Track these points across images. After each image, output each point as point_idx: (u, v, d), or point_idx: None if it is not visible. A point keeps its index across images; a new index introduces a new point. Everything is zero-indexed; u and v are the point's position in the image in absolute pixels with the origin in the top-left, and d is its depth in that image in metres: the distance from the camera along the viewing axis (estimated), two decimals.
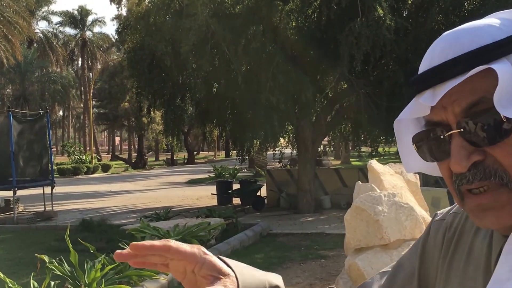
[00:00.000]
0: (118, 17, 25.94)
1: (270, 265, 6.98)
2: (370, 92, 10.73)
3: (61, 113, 59.51)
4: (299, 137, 11.89)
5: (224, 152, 45.78)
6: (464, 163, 0.59)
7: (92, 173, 31.01)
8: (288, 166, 19.50)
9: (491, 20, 0.63)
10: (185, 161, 39.27)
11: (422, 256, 0.77)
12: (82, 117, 49.48)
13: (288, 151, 15.26)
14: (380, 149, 13.40)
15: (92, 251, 5.76)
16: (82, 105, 46.24)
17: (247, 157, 15.28)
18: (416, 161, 0.69)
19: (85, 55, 44.49)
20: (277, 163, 22.72)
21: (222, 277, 0.66)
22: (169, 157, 40.91)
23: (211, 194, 14.28)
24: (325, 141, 16.72)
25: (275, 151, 14.34)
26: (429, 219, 3.46)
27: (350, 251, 3.72)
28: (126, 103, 36.49)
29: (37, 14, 41.54)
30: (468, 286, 0.68)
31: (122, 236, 7.38)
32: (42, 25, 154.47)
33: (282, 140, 14.19)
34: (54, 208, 12.60)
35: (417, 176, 4.26)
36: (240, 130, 12.81)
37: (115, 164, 37.29)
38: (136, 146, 44.65)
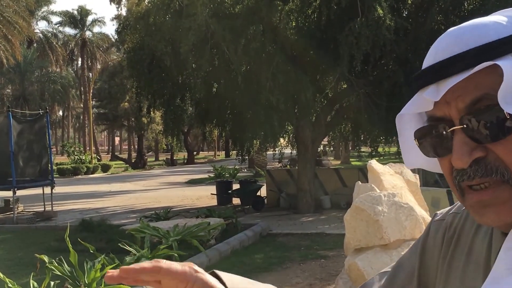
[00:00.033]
0: (117, 17, 25.93)
1: (269, 265, 6.98)
2: (370, 92, 10.73)
3: (60, 113, 59.51)
4: (299, 137, 11.89)
5: (224, 152, 45.78)
6: (466, 159, 0.59)
7: (92, 173, 31.00)
8: (288, 166, 19.50)
9: (497, 17, 0.62)
10: (185, 161, 39.27)
11: (422, 256, 0.77)
12: (81, 117, 49.48)
13: (288, 151, 15.26)
14: (380, 149, 13.41)
15: (92, 251, 5.75)
16: (82, 105, 46.24)
17: (247, 157, 15.30)
18: (417, 156, 0.69)
19: (85, 55, 44.48)
20: (277, 163, 22.74)
21: None
22: (169, 157, 40.91)
23: (211, 194, 14.28)
24: (325, 141, 16.71)
25: (275, 151, 14.35)
26: (429, 219, 3.45)
27: (350, 251, 3.72)
28: (126, 103, 36.48)
29: (36, 14, 41.53)
30: (468, 286, 0.68)
31: (122, 236, 7.37)
32: (41, 25, 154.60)
33: (282, 140, 14.20)
34: (53, 208, 12.60)
35: (417, 176, 4.26)
36: (240, 130, 12.81)
37: (115, 164, 37.28)
38: (136, 146, 44.65)
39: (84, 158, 32.33)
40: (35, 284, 4.88)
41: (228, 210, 11.01)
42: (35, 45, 41.47)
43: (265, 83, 10.13)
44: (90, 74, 43.67)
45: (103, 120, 43.12)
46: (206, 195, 15.34)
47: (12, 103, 36.01)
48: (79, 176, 29.42)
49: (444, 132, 0.62)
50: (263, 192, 13.21)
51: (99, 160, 39.38)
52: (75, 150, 33.33)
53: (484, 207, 0.61)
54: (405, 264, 0.80)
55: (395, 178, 3.97)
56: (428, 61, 0.63)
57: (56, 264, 5.21)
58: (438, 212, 0.80)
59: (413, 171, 4.47)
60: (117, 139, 69.05)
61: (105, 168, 33.27)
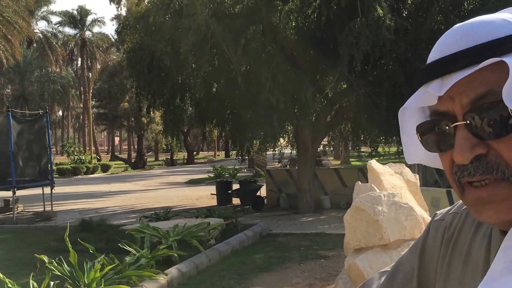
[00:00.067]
0: (117, 17, 25.91)
1: (269, 265, 6.98)
2: (370, 92, 10.73)
3: (60, 113, 59.49)
4: (299, 137, 11.89)
5: (223, 152, 45.78)
6: (468, 154, 0.59)
7: (92, 173, 30.99)
8: (287, 166, 19.50)
9: (505, 14, 0.63)
10: (185, 161, 39.26)
11: (421, 256, 0.78)
12: (81, 117, 49.45)
13: (287, 151, 15.26)
14: (379, 149, 13.41)
15: (91, 251, 5.76)
16: (82, 105, 46.22)
17: (246, 157, 15.30)
18: (418, 151, 0.69)
19: (85, 55, 44.45)
20: (277, 163, 22.73)
21: None
22: (169, 157, 40.90)
23: (211, 194, 14.27)
24: (324, 141, 16.71)
25: (275, 151, 14.35)
26: (428, 219, 3.45)
27: (350, 251, 3.71)
28: (126, 103, 36.47)
29: (36, 14, 41.49)
30: (467, 286, 0.68)
31: (122, 236, 7.37)
32: (41, 25, 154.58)
33: (281, 140, 14.19)
34: (53, 208, 12.60)
35: (417, 176, 4.26)
36: (240, 130, 12.81)
37: (115, 164, 37.27)
38: (136, 146, 44.64)
39: (83, 158, 32.33)
40: (35, 284, 4.88)
41: (228, 210, 11.00)
42: (34, 45, 41.45)
43: (265, 83, 10.13)
44: (90, 74, 43.65)
45: (103, 120, 43.13)
46: (206, 195, 15.33)
47: (11, 103, 36.00)
48: (79, 176, 29.41)
49: (447, 128, 0.62)
50: (263, 192, 13.20)
51: (98, 160, 39.37)
52: (74, 150, 33.32)
53: (483, 204, 0.61)
54: (404, 264, 0.80)
55: (395, 178, 3.97)
56: (434, 55, 0.64)
57: (56, 264, 5.22)
58: (438, 212, 0.81)
59: (413, 171, 4.47)
60: (116, 139, 69.03)
61: (105, 168, 33.27)
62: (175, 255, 6.61)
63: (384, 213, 3.49)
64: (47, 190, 12.45)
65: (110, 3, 16.36)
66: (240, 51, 10.03)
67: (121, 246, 6.53)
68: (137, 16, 12.12)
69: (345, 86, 11.85)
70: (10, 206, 12.21)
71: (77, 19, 44.95)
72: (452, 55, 0.60)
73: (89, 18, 46.09)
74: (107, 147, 71.42)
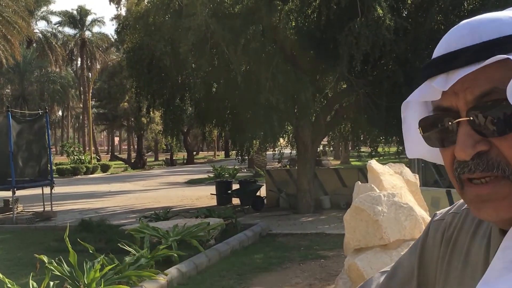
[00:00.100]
0: (117, 17, 25.91)
1: (269, 265, 6.98)
2: (370, 92, 10.73)
3: (60, 113, 59.48)
4: (299, 137, 11.89)
5: (223, 152, 45.78)
6: (469, 150, 0.59)
7: (91, 173, 30.99)
8: (287, 166, 19.50)
9: None
10: (185, 161, 39.25)
11: (421, 255, 0.78)
12: (81, 117, 49.43)
13: (287, 151, 15.26)
14: (379, 149, 13.41)
15: (91, 251, 5.75)
16: (81, 105, 46.20)
17: (246, 157, 15.29)
18: (419, 145, 0.70)
19: (84, 55, 44.43)
20: (277, 163, 22.72)
21: None
22: (169, 157, 40.89)
23: (211, 194, 14.27)
24: (324, 141, 16.71)
25: (275, 151, 14.34)
26: (428, 219, 3.45)
27: (350, 251, 3.71)
28: (125, 103, 36.46)
29: (36, 14, 41.48)
30: (467, 285, 0.68)
31: (122, 236, 7.37)
32: (41, 25, 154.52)
33: (281, 140, 14.19)
34: (53, 208, 12.59)
35: (417, 176, 4.26)
36: (240, 130, 12.80)
37: (115, 164, 37.27)
38: (136, 146, 44.63)
39: (83, 158, 32.32)
40: (35, 284, 4.88)
41: (228, 210, 10.99)
42: (34, 45, 41.42)
43: (264, 83, 10.13)
44: (90, 74, 43.63)
45: (103, 120, 43.12)
46: (205, 195, 15.33)
47: (11, 103, 36.00)
48: (79, 176, 29.41)
49: (450, 123, 0.62)
50: (262, 192, 13.20)
51: (98, 160, 39.36)
52: (74, 150, 33.31)
53: (482, 202, 0.61)
54: (404, 264, 0.80)
55: (395, 178, 3.97)
56: (440, 50, 0.64)
57: (56, 264, 5.21)
58: (437, 212, 0.81)
59: (413, 171, 4.47)
60: (116, 139, 69.02)
61: (105, 168, 33.26)
62: (175, 255, 6.60)
63: (384, 213, 3.49)
64: (46, 190, 12.44)
65: (110, 3, 16.34)
66: (240, 51, 10.02)
67: (120, 246, 6.52)
68: (137, 16, 12.12)
69: (345, 86, 11.85)
70: (10, 206, 12.20)
71: (76, 19, 44.93)
72: (458, 50, 0.60)
73: (89, 18, 46.09)
74: (106, 147, 71.41)
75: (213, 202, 13.88)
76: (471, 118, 0.60)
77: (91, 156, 33.88)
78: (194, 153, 43.81)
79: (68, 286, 5.13)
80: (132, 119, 37.42)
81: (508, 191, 0.59)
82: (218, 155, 46.64)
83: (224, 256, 7.46)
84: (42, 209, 12.60)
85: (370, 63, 9.97)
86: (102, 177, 28.79)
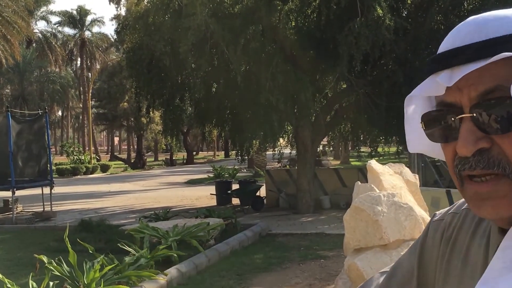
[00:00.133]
0: (117, 17, 25.91)
1: (269, 265, 6.98)
2: (370, 92, 10.74)
3: (60, 113, 59.47)
4: (298, 137, 11.89)
5: (223, 152, 45.76)
6: (471, 147, 0.59)
7: (91, 173, 30.98)
8: (287, 166, 19.50)
9: None
10: (184, 161, 39.24)
11: (420, 255, 0.78)
12: (81, 117, 49.41)
13: (287, 151, 15.26)
14: (379, 149, 13.41)
15: (91, 252, 5.75)
16: (81, 105, 46.18)
17: (246, 157, 15.28)
18: (421, 140, 0.70)
19: (84, 55, 44.40)
20: (276, 163, 22.74)
21: None
22: (168, 157, 40.89)
23: (210, 194, 14.27)
24: (324, 141, 16.71)
25: (275, 151, 14.35)
26: (428, 219, 3.45)
27: (350, 251, 3.71)
28: (125, 103, 36.45)
29: (36, 14, 41.46)
30: (466, 284, 0.68)
31: (121, 236, 7.36)
32: (41, 25, 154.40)
33: (281, 140, 14.19)
34: (53, 208, 12.59)
35: (417, 176, 4.25)
36: (239, 130, 12.80)
37: (114, 164, 37.27)
38: (135, 146, 44.62)
39: (83, 158, 32.31)
40: (34, 284, 4.88)
41: (228, 210, 10.99)
42: (34, 45, 41.40)
43: (264, 83, 10.13)
44: (89, 74, 43.61)
45: (102, 120, 43.09)
46: (205, 195, 15.33)
47: (11, 103, 35.98)
48: (78, 176, 29.40)
49: (453, 119, 0.62)
50: (262, 192, 13.20)
51: (98, 160, 39.34)
52: (74, 150, 33.30)
53: (482, 200, 0.61)
54: (404, 264, 0.80)
55: (395, 178, 3.97)
56: (445, 45, 0.63)
57: (55, 265, 5.21)
58: (437, 212, 0.81)
59: (413, 171, 4.47)
60: (116, 139, 69.01)
61: (104, 168, 33.26)
62: (175, 255, 6.60)
63: (383, 213, 3.49)
64: (46, 190, 12.44)
65: (110, 3, 16.35)
66: (240, 51, 10.02)
67: (120, 246, 6.52)
68: (137, 16, 12.12)
69: (344, 86, 11.85)
70: (10, 206, 12.20)
71: (76, 19, 44.91)
72: (464, 47, 0.60)
73: (89, 18, 46.07)
74: (106, 147, 71.39)
75: (213, 202, 13.88)
76: (474, 114, 0.60)
77: (90, 156, 33.87)
78: (194, 153, 43.81)
79: (68, 286, 5.13)
80: (132, 119, 37.41)
81: (508, 189, 0.59)
82: (218, 155, 46.63)
83: (223, 256, 7.46)
84: (42, 209, 12.59)
85: (370, 63, 9.97)
86: (101, 177, 28.79)
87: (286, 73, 10.41)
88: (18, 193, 12.20)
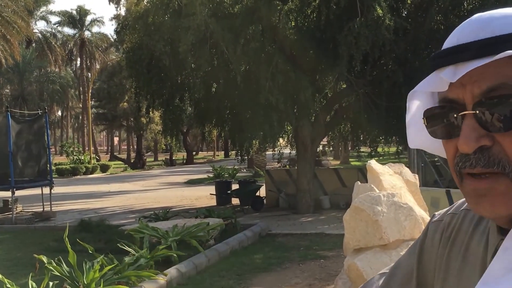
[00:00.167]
0: (116, 17, 25.92)
1: (269, 265, 6.98)
2: (369, 92, 10.74)
3: (59, 113, 59.46)
4: (298, 137, 11.88)
5: (223, 152, 45.76)
6: (472, 143, 0.59)
7: (91, 173, 30.97)
8: (287, 166, 19.50)
9: None
10: (184, 161, 39.24)
11: (420, 256, 0.78)
12: (80, 117, 49.40)
13: (287, 151, 15.26)
14: (379, 149, 13.41)
15: (90, 252, 5.75)
16: (81, 105, 46.18)
17: (246, 157, 15.29)
18: (422, 136, 0.69)
19: (84, 55, 44.39)
20: (276, 163, 22.74)
21: None
22: (168, 157, 40.88)
23: (210, 194, 14.27)
24: (324, 141, 16.71)
25: (274, 151, 14.35)
26: (428, 219, 3.45)
27: (349, 251, 3.71)
28: (125, 103, 36.45)
29: (35, 14, 41.45)
30: (465, 285, 0.68)
31: (121, 236, 7.36)
32: (40, 25, 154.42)
33: (281, 140, 14.19)
34: (52, 208, 12.59)
35: (417, 176, 4.25)
36: (239, 130, 12.80)
37: (114, 164, 37.26)
38: (135, 146, 44.62)
39: (83, 158, 32.31)
40: (34, 284, 4.87)
41: (227, 210, 10.99)
42: (34, 45, 41.40)
43: (264, 83, 10.12)
44: (89, 74, 43.60)
45: (102, 120, 43.08)
46: (205, 195, 15.33)
47: (10, 103, 35.97)
48: (78, 176, 29.39)
49: (455, 115, 0.62)
50: (262, 192, 13.20)
51: (98, 160, 39.32)
52: (74, 150, 33.30)
53: (480, 196, 0.61)
54: (403, 265, 0.80)
55: (395, 178, 3.97)
56: (450, 42, 0.63)
57: (55, 265, 5.21)
58: (436, 213, 0.81)
59: (413, 171, 4.46)
60: (116, 139, 69.00)
61: (104, 168, 33.25)
62: (174, 255, 6.60)
63: (383, 213, 3.49)
64: (46, 190, 12.43)
65: (109, 3, 16.37)
66: (240, 51, 10.02)
67: (120, 246, 6.52)
68: (136, 16, 12.11)
69: (344, 86, 11.85)
70: (9, 206, 12.19)
71: (76, 19, 44.91)
72: (469, 43, 0.60)
73: (88, 18, 46.07)
74: (106, 147, 71.38)
75: (213, 202, 13.88)
76: (477, 112, 0.59)
77: (90, 156, 33.87)
78: (194, 153, 43.80)
79: (68, 286, 5.13)
80: (132, 119, 37.40)
81: (506, 188, 0.59)
82: (218, 155, 46.63)
83: (223, 256, 7.45)
84: (42, 209, 12.59)
85: (369, 63, 9.97)
86: (101, 177, 28.78)
87: (286, 73, 10.41)
88: (18, 193, 12.20)
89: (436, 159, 11.36)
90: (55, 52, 41.09)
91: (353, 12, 9.42)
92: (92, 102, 40.61)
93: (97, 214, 12.58)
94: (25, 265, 6.86)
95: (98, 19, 61.20)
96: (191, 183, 21.62)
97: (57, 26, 45.33)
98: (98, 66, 42.50)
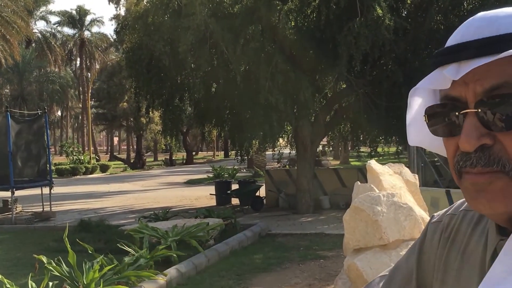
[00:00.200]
0: (116, 17, 25.91)
1: (269, 265, 6.98)
2: (369, 92, 10.74)
3: (59, 113, 59.46)
4: (298, 137, 11.88)
5: (223, 152, 45.77)
6: (474, 142, 0.59)
7: (91, 174, 30.97)
8: (287, 166, 19.50)
9: None
10: (184, 161, 39.24)
11: (419, 257, 0.78)
12: (80, 117, 49.42)
13: (287, 151, 15.25)
14: (379, 149, 13.41)
15: (90, 252, 5.75)
16: (81, 105, 46.20)
17: (246, 157, 15.29)
18: (422, 133, 0.69)
19: (84, 55, 44.40)
20: (276, 163, 22.74)
21: None
22: (168, 157, 40.88)
23: (210, 194, 14.27)
24: (324, 141, 16.71)
25: (274, 151, 14.35)
26: (428, 219, 3.44)
27: (349, 251, 3.71)
28: (125, 103, 36.45)
29: (35, 14, 41.45)
30: (464, 286, 0.68)
31: (121, 236, 7.36)
32: (40, 25, 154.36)
33: (281, 140, 14.18)
34: (52, 208, 12.58)
35: (416, 176, 4.25)
36: (239, 130, 12.80)
37: (114, 164, 37.25)
38: (135, 146, 44.61)
39: (82, 158, 32.30)
40: (34, 284, 4.87)
41: (227, 210, 10.99)
42: (33, 45, 41.41)
43: (264, 83, 10.12)
44: (89, 74, 43.61)
45: (102, 120, 43.08)
46: (205, 195, 15.33)
47: (10, 103, 35.97)
48: (78, 176, 29.39)
49: (457, 114, 0.61)
50: (262, 192, 13.20)
51: (97, 160, 39.32)
52: (73, 150, 33.29)
53: (478, 191, 0.61)
54: (402, 266, 0.80)
55: (394, 178, 3.96)
56: (454, 39, 0.63)
57: (55, 265, 5.21)
58: (435, 214, 0.81)
59: (413, 171, 4.46)
60: (115, 139, 68.98)
61: (104, 168, 33.25)
62: (174, 255, 6.60)
63: (383, 213, 3.49)
64: (46, 190, 12.43)
65: (109, 3, 16.37)
66: (239, 51, 10.02)
67: (120, 246, 6.52)
68: (136, 16, 12.11)
69: (344, 86, 11.85)
70: (9, 206, 12.19)
71: (76, 19, 44.92)
72: (473, 41, 0.60)
73: (88, 18, 46.10)
74: (106, 147, 71.38)
75: (213, 202, 13.88)
76: (479, 110, 0.59)
77: (90, 156, 33.87)
78: (194, 153, 43.81)
79: (67, 287, 5.12)
80: (131, 119, 37.40)
81: (504, 185, 0.59)
82: (218, 155, 46.63)
83: (223, 256, 7.45)
84: (41, 209, 12.58)
85: (369, 63, 9.97)
86: (101, 177, 28.78)
87: (286, 73, 10.41)
88: (18, 193, 12.19)
89: (436, 159, 11.36)
90: (54, 52, 41.09)
91: (353, 12, 9.42)
92: (92, 102, 40.61)
93: (97, 214, 12.58)
94: (25, 265, 6.86)
95: (98, 19, 61.28)
96: (190, 183, 21.61)
97: (56, 26, 45.37)
98: (97, 66, 42.51)
